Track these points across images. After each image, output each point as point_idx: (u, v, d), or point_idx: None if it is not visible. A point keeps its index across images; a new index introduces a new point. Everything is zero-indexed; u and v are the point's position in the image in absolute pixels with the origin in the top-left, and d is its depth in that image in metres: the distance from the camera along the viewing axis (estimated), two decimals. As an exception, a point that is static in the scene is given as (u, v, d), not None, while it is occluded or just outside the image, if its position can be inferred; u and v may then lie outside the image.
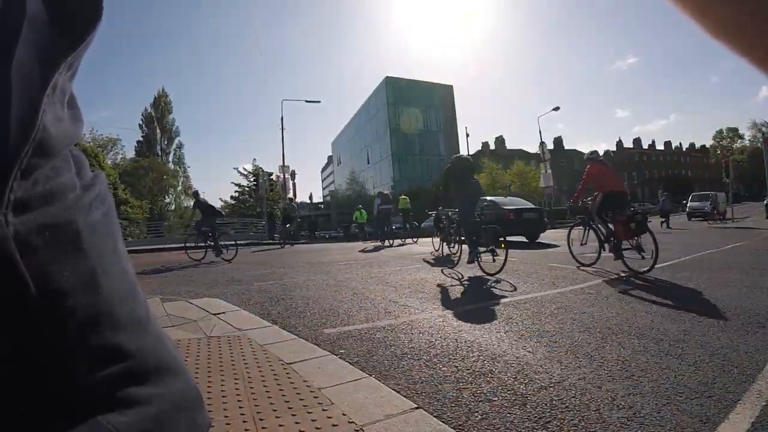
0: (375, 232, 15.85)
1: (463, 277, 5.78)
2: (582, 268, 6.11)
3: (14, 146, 0.26)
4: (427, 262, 7.78)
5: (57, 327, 0.28)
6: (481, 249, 6.00)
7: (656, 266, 5.31)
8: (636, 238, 5.53)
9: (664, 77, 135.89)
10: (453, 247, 7.32)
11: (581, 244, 6.41)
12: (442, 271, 6.36)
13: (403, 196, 16.04)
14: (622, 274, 5.44)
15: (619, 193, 5.96)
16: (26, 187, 0.28)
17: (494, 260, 5.74)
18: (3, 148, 0.26)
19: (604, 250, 6.00)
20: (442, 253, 8.04)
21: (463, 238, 6.56)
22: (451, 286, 5.11)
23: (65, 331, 0.29)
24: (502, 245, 5.68)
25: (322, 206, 51.13)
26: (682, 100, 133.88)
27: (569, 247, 6.64)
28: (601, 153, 6.44)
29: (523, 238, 11.93)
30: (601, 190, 6.00)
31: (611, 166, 6.35)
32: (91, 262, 0.31)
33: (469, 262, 6.22)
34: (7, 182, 0.26)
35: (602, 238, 5.99)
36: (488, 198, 12.67)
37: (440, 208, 8.19)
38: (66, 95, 0.33)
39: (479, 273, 5.90)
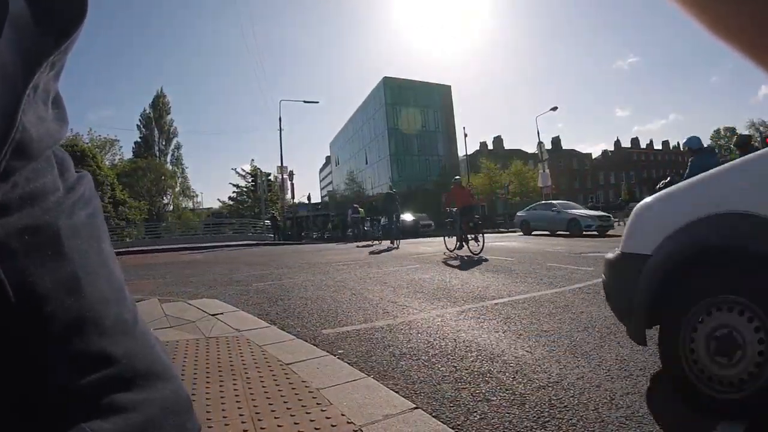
0: (354, 234, 21.49)
1: (457, 275, 5.78)
2: (447, 252, 9.16)
3: None
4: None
5: (37, 333, 0.28)
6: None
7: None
8: (474, 233, 8.76)
9: (665, 77, 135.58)
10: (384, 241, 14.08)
11: (449, 237, 9.63)
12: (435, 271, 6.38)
13: (360, 208, 21.66)
14: (464, 255, 8.44)
15: (469, 206, 9.22)
16: (5, 190, 0.27)
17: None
18: None
19: (465, 241, 8.96)
20: (391, 243, 13.08)
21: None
22: (447, 284, 5.11)
23: (46, 337, 0.28)
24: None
25: (320, 207, 51.17)
26: (682, 99, 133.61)
27: (444, 240, 9.86)
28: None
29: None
30: (459, 204, 9.14)
31: (466, 188, 10.27)
32: (73, 266, 0.31)
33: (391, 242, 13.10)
34: None
35: (460, 233, 9.00)
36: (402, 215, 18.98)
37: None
38: (50, 95, 0.33)
39: (475, 273, 5.90)
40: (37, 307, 0.28)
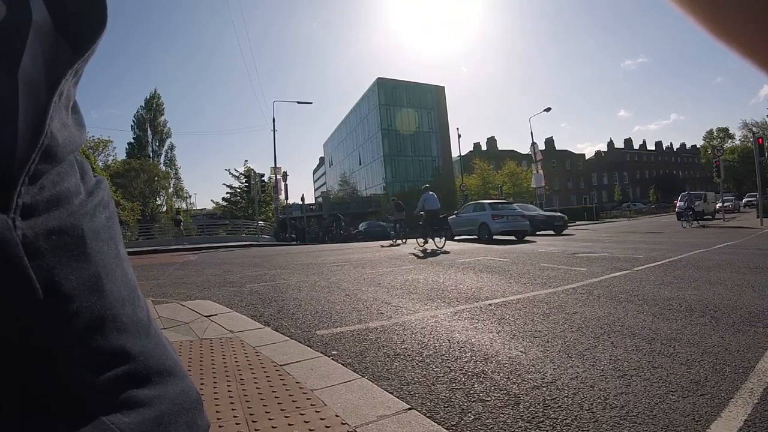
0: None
1: (451, 276, 5.79)
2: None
3: (22, 152, 0.27)
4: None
5: (63, 330, 0.29)
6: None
7: (643, 267, 5.43)
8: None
9: (670, 77, 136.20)
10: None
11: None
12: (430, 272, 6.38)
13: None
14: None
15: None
16: (33, 193, 0.28)
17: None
18: (11, 155, 0.26)
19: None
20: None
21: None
22: (441, 285, 5.11)
23: (71, 333, 0.29)
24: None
25: (314, 207, 51.03)
26: (683, 100, 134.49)
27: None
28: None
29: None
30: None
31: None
32: (95, 266, 0.32)
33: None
34: (15, 187, 0.27)
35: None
36: None
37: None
38: (71, 101, 0.34)
39: (469, 274, 5.91)
40: (63, 305, 0.29)
